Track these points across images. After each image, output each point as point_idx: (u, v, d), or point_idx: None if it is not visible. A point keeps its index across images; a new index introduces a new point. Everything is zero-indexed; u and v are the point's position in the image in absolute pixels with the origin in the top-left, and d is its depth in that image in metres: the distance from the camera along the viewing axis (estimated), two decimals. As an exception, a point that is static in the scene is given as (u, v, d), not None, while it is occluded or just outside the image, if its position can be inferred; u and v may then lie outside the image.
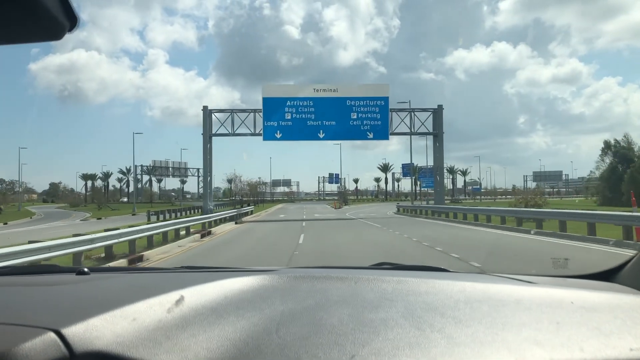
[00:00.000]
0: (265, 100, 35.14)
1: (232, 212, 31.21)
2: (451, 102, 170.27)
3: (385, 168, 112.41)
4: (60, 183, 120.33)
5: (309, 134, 35.52)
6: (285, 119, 35.04)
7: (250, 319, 0.92)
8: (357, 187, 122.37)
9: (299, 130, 35.22)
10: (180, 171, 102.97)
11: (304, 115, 35.13)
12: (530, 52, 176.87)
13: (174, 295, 1.00)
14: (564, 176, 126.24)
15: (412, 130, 36.71)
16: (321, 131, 35.41)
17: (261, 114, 34.98)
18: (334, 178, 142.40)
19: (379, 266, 1.77)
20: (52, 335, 0.77)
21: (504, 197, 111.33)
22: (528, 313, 0.95)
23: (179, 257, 13.20)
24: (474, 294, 1.05)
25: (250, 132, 35.97)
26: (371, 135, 35.59)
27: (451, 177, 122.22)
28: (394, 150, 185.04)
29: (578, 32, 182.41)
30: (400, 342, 0.82)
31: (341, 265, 1.91)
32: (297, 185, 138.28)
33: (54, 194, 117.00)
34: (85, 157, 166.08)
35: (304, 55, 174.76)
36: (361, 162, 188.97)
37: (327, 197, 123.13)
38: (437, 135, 36.82)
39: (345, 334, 0.85)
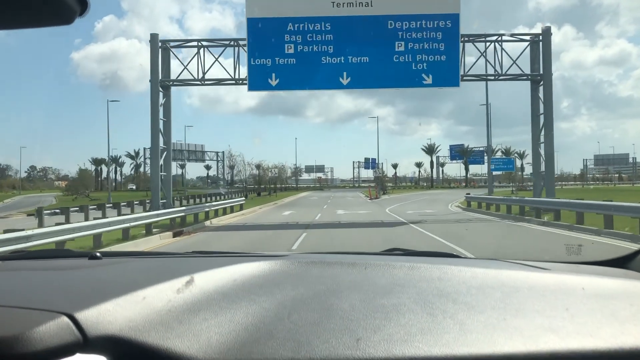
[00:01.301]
0: (252, 23, 21.08)
1: (176, 213, 17.17)
2: (493, 87, 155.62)
3: (430, 149, 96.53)
4: (86, 169, 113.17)
5: (325, 79, 21.28)
6: (285, 53, 20.95)
7: (261, 304, 0.92)
8: (396, 172, 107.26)
9: (308, 73, 21.05)
10: (197, 154, 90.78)
11: (315, 47, 20.94)
12: (575, 34, 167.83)
13: (185, 280, 1.00)
14: (630, 159, 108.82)
15: (499, 70, 21.82)
16: (345, 74, 21.13)
17: (246, 47, 21.00)
18: (370, 163, 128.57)
19: (390, 252, 1.73)
20: (65, 319, 0.78)
21: (572, 184, 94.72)
22: (541, 299, 0.94)
23: None
24: (487, 280, 1.04)
25: (229, 77, 21.98)
26: (429, 80, 21.02)
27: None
28: (433, 136, 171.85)
29: (627, 11, 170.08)
30: (412, 328, 0.83)
31: (352, 251, 1.80)
32: (332, 171, 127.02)
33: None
34: (122, 144, 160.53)
35: None
36: (398, 148, 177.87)
37: (362, 184, 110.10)
38: (539, 80, 21.88)
39: (357, 319, 0.86)
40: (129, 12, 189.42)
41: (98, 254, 1.48)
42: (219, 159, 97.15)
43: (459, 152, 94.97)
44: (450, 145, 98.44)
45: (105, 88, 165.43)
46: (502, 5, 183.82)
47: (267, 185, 59.92)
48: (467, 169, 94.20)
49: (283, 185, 77.64)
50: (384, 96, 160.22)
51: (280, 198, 45.52)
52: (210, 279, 1.03)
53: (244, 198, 28.18)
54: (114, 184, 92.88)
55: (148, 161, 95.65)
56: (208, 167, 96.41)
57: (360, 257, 1.40)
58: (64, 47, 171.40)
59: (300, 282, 1.06)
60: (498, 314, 0.87)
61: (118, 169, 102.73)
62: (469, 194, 29.23)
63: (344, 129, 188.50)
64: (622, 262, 1.37)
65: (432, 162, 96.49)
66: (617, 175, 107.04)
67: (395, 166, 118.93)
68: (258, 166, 63.49)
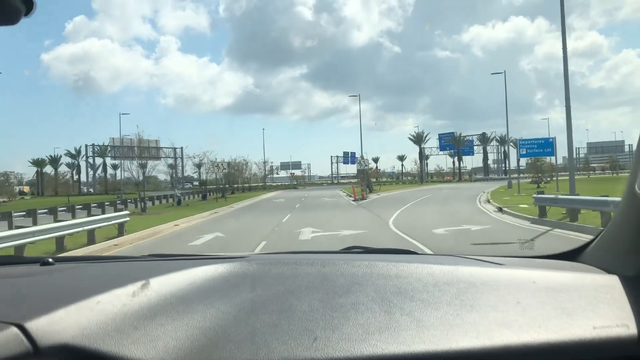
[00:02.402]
0: None
1: None
2: (468, 80, 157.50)
3: (419, 138, 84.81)
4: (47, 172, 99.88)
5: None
6: None
7: (219, 307, 0.91)
8: (377, 166, 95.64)
9: None
10: (150, 151, 76.50)
11: None
12: (548, 26, 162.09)
13: (141, 284, 0.98)
14: (626, 147, 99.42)
15: None
16: None
17: None
18: (349, 157, 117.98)
19: (349, 250, 1.71)
20: (14, 329, 0.75)
21: (579, 174, 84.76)
22: (495, 294, 0.96)
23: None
24: (442, 277, 1.04)
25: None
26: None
27: (503, 149, 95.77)
28: (409, 131, 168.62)
29: (598, 4, 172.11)
30: (370, 326, 0.84)
31: (311, 250, 1.78)
32: (309, 167, 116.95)
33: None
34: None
35: (317, 36, 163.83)
36: (376, 144, 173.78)
37: (342, 180, 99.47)
38: None
39: (316, 319, 0.86)
40: (100, 13, 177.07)
41: (50, 260, 1.39)
42: (176, 156, 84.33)
43: (450, 142, 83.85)
44: (439, 134, 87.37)
45: (79, 90, 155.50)
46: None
47: (223, 184, 47.41)
48: (460, 160, 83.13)
49: (248, 185, 65.42)
50: (361, 92, 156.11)
51: (232, 202, 33.39)
52: (167, 282, 1.00)
53: (127, 212, 15.45)
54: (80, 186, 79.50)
55: (91, 160, 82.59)
56: (172, 167, 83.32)
57: (319, 257, 1.38)
58: (33, 49, 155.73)
59: (258, 283, 1.04)
60: (453, 310, 0.89)
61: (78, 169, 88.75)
62: (541, 191, 17.26)
63: (321, 125, 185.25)
64: (571, 256, 1.36)
65: (420, 153, 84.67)
66: (609, 164, 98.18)
67: (376, 160, 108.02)
68: (199, 165, 51.22)
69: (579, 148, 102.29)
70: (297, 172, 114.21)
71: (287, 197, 41.56)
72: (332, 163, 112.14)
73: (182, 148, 74.70)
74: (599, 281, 1.03)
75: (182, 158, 78.43)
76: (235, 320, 0.86)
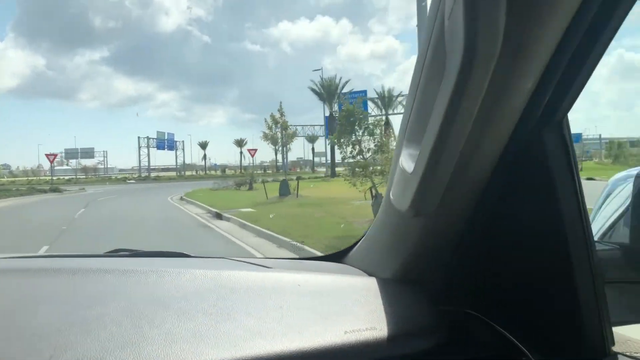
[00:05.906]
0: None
1: None
2: (278, 76, 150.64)
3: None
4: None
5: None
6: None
7: None
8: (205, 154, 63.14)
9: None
10: None
11: None
12: (351, 28, 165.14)
13: None
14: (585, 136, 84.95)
15: None
16: None
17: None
18: (165, 141, 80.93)
19: (115, 254, 1.51)
20: None
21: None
22: (256, 300, 0.92)
23: None
24: (205, 283, 0.97)
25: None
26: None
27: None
28: (218, 123, 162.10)
29: (395, 10, 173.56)
30: (110, 342, 0.75)
31: (67, 254, 1.52)
32: (105, 155, 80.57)
33: None
34: None
35: (121, 18, 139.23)
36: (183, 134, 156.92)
37: (153, 174, 64.97)
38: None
39: (48, 336, 0.75)
40: None
41: None
42: None
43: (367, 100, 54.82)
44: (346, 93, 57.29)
45: None
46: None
47: None
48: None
49: None
50: (167, 80, 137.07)
51: None
52: None
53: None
54: None
55: None
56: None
57: (73, 261, 1.26)
58: None
59: None
60: (209, 319, 0.83)
61: None
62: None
63: (123, 114, 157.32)
64: (340, 257, 1.33)
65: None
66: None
67: (204, 145, 75.78)
68: None
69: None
70: (90, 163, 76.63)
71: None
72: (139, 148, 74.79)
73: None
74: (358, 284, 1.01)
75: None
76: None
